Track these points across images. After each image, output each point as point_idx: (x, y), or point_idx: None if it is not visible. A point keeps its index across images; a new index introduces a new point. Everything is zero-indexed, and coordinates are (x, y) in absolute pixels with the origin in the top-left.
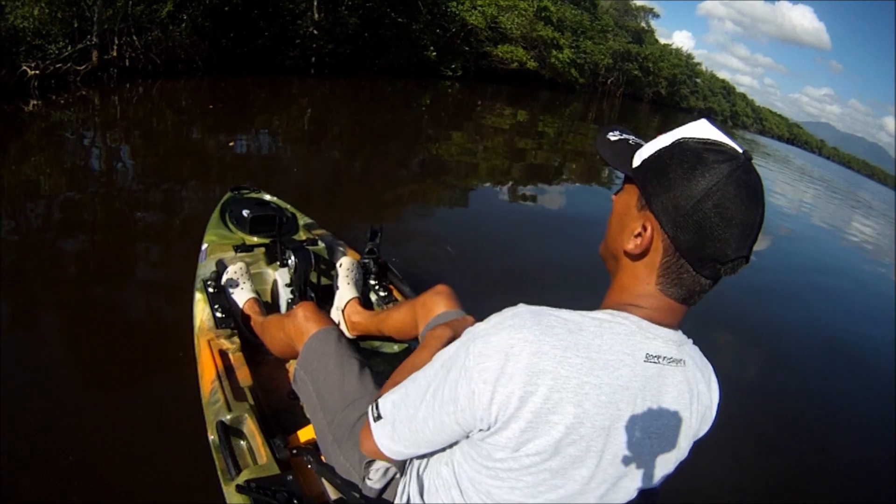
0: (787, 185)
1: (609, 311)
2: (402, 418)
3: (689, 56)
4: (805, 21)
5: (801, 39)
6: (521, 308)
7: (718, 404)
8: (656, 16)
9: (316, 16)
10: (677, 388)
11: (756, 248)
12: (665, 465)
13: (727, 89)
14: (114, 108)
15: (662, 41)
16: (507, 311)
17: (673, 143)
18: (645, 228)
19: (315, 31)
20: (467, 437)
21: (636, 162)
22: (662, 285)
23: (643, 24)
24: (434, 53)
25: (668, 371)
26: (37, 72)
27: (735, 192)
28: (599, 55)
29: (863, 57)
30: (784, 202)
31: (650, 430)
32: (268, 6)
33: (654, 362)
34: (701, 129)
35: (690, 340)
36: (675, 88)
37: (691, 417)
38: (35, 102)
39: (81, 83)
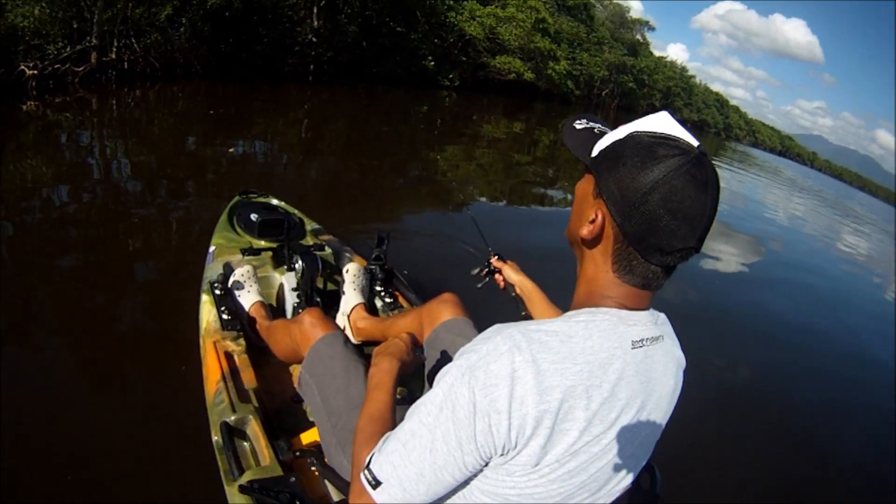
0: (776, 194)
1: (587, 310)
2: (411, 476)
3: (684, 69)
4: (798, 35)
5: (795, 53)
6: (508, 329)
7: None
8: (651, 28)
9: (315, 23)
10: (662, 361)
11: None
12: (660, 430)
13: (720, 102)
14: (113, 110)
15: (657, 54)
16: (495, 337)
17: (627, 135)
18: (597, 216)
19: (314, 39)
20: (486, 464)
21: (595, 152)
22: (617, 272)
23: (638, 37)
24: (432, 63)
25: (652, 350)
26: (35, 72)
27: (683, 186)
28: (595, 67)
29: (856, 70)
30: (775, 211)
31: (648, 406)
32: (267, 13)
33: (640, 346)
34: (657, 123)
35: (660, 313)
36: (669, 101)
37: (676, 383)
38: (33, 103)
39: (79, 84)
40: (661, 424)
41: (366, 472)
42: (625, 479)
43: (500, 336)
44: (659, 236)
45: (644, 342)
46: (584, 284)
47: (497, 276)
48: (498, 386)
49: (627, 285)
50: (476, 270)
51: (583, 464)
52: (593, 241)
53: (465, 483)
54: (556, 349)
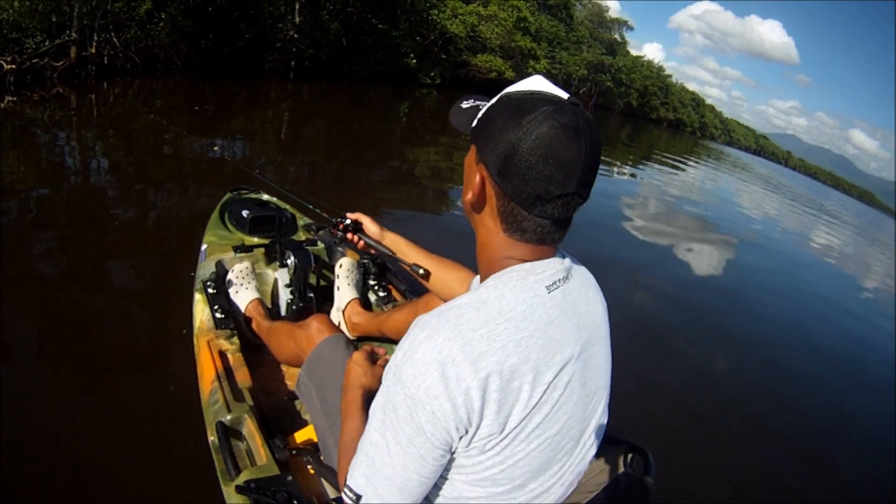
0: (751, 191)
1: (493, 275)
2: (381, 482)
3: (660, 68)
4: (774, 36)
5: (770, 53)
6: (423, 318)
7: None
8: (630, 28)
9: (297, 20)
10: (582, 293)
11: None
12: (609, 355)
13: (696, 101)
14: (93, 106)
15: (634, 53)
16: (413, 329)
17: (498, 99)
18: (478, 178)
19: (295, 35)
20: (453, 455)
21: (475, 122)
22: (508, 231)
23: (616, 37)
24: (414, 61)
25: (569, 288)
26: (13, 66)
27: (550, 133)
28: (574, 66)
29: (830, 70)
30: (749, 208)
31: (591, 339)
32: (248, 8)
33: (556, 288)
34: (529, 83)
35: (567, 257)
36: (645, 100)
37: (603, 304)
38: (10, 98)
39: (58, 80)
40: (608, 350)
41: (346, 490)
42: (602, 414)
43: (417, 326)
44: (535, 185)
45: (557, 283)
46: (483, 252)
47: (350, 234)
48: (427, 373)
49: (522, 243)
50: (323, 230)
51: (551, 413)
52: (479, 205)
53: (445, 478)
54: (473, 318)
